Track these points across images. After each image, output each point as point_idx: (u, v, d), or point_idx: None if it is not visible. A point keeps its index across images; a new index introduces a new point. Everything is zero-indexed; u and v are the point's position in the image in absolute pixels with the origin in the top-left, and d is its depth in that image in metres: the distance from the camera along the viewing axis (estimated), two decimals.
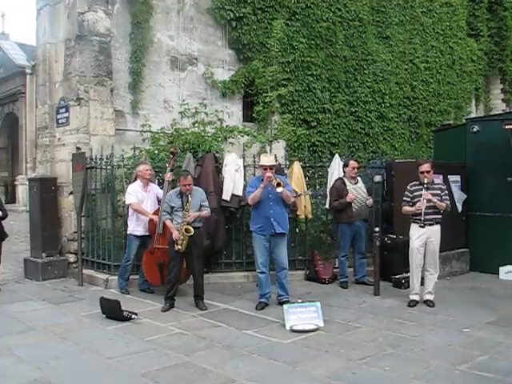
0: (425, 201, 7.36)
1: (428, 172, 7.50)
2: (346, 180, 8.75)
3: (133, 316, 6.75)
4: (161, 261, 7.91)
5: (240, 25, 11.77)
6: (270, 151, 10.08)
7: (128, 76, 10.74)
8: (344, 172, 8.89)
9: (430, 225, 7.50)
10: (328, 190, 9.28)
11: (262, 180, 7.26)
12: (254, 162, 9.18)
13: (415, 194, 7.55)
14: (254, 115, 11.87)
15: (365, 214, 8.85)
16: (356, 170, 8.78)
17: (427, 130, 14.46)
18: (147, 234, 8.23)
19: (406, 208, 7.64)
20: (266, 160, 7.44)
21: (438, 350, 5.79)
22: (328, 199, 9.25)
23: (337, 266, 9.16)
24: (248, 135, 10.29)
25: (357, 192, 8.64)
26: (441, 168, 9.00)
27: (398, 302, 7.71)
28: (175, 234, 7.18)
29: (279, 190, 7.10)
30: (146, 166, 8.37)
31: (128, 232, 8.37)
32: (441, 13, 15.84)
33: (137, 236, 8.25)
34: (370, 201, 8.85)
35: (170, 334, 6.27)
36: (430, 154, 12.90)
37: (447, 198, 7.57)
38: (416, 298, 7.63)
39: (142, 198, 8.23)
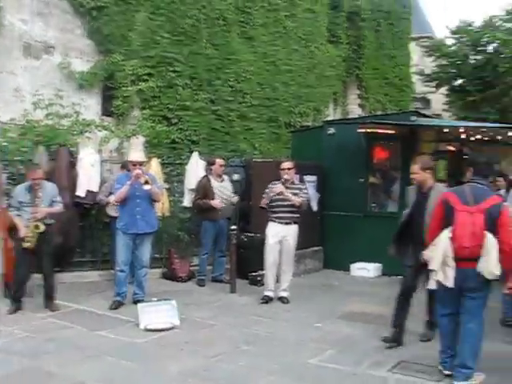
0: (276, 191, 7.58)
1: (289, 169, 7.75)
2: (211, 178, 8.81)
3: None
4: None
5: (100, 15, 11.40)
6: (129, 147, 9.91)
7: None
8: (211, 169, 8.96)
9: (287, 223, 7.74)
10: (185, 187, 9.34)
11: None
12: (111, 157, 9.03)
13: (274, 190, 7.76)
14: (112, 109, 11.59)
15: (229, 213, 8.98)
16: (223, 167, 8.91)
17: (287, 130, 14.86)
18: None
19: (263, 201, 7.82)
20: (135, 156, 7.40)
21: (291, 345, 6.02)
22: (186, 197, 9.31)
23: (194, 263, 9.22)
24: (106, 130, 10.04)
25: (222, 190, 8.75)
26: (297, 168, 9.33)
27: (254, 300, 7.90)
28: (23, 231, 6.84)
29: (147, 187, 7.04)
30: None
31: None
32: (303, 18, 16.38)
33: None
34: (236, 198, 9.00)
35: (16, 339, 5.94)
36: (289, 154, 13.31)
37: (305, 196, 7.84)
38: (270, 294, 7.84)
39: None
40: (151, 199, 7.36)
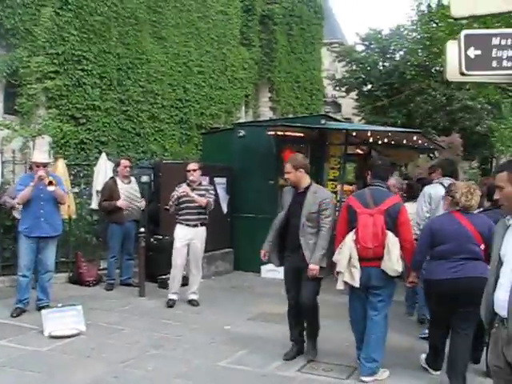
0: (181, 192, 7.59)
1: (194, 170, 7.75)
2: (118, 179, 8.69)
3: None
4: None
5: (2, 7, 10.95)
6: (33, 147, 9.60)
7: None
8: (117, 171, 8.83)
9: (195, 226, 7.76)
10: (93, 189, 9.16)
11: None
12: (13, 157, 8.72)
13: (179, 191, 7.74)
14: (16, 108, 11.16)
15: (136, 215, 8.87)
16: (128, 168, 8.78)
17: (198, 132, 14.79)
18: None
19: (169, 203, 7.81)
20: (40, 157, 7.17)
21: (200, 348, 6.03)
22: (94, 199, 9.13)
23: (102, 267, 9.05)
24: (8, 129, 9.67)
25: (129, 192, 8.64)
26: (208, 170, 9.35)
27: (163, 303, 7.83)
28: None
29: (51, 188, 6.81)
30: None
31: None
32: (216, 20, 16.43)
33: None
34: (143, 203, 8.90)
35: None
36: (200, 156, 13.30)
37: (211, 196, 7.86)
38: (174, 297, 7.81)
39: None
40: (56, 201, 7.16)
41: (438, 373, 5.28)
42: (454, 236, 4.99)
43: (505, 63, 5.08)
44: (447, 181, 6.37)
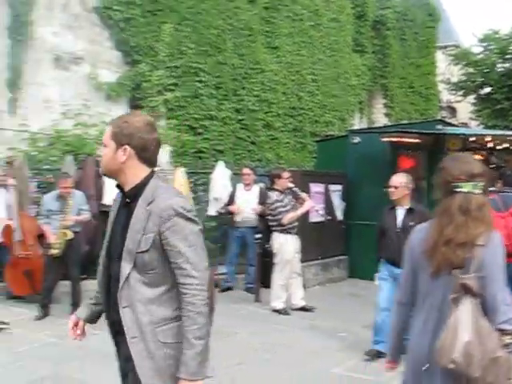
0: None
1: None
2: (240, 186, 8.91)
3: (2, 326, 6.41)
4: (28, 268, 7.53)
5: (128, 26, 11.60)
6: None
7: (6, 72, 10.27)
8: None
9: (297, 233, 7.86)
10: (210, 196, 9.42)
11: None
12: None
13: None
14: None
15: (252, 222, 8.81)
16: (246, 176, 8.90)
17: (312, 140, 14.80)
18: None
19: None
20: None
21: (313, 353, 5.99)
22: (211, 205, 9.38)
23: (220, 272, 9.23)
24: None
25: (245, 198, 8.78)
26: (322, 177, 9.33)
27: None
28: (51, 238, 6.97)
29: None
30: None
31: None
32: (328, 27, 16.42)
33: None
34: (255, 208, 8.88)
35: (44, 344, 6.02)
36: (314, 163, 13.28)
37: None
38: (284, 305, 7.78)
39: None
40: None
41: None
42: None
43: None
44: None
